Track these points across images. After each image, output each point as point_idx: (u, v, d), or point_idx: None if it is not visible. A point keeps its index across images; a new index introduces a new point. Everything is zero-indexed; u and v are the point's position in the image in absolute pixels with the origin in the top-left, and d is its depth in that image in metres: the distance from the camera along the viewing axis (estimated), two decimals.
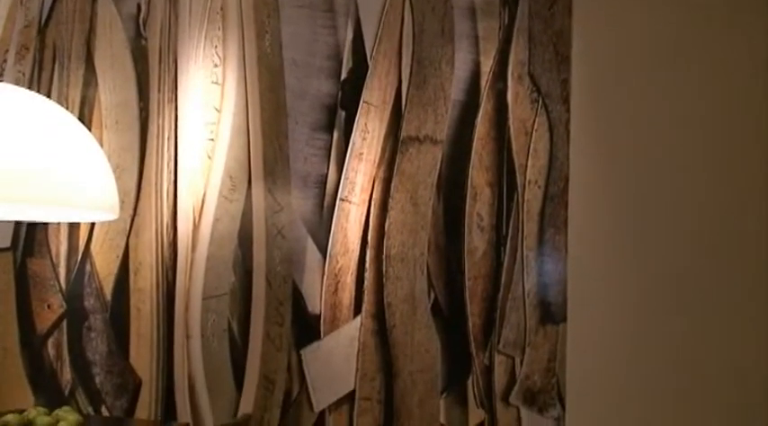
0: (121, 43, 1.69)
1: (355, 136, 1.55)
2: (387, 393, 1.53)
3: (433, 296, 1.52)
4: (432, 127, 1.53)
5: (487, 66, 1.52)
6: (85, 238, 1.70)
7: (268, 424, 1.56)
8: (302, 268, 1.58)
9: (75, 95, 1.72)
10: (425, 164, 1.53)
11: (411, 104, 1.55)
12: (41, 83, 1.76)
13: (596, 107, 0.94)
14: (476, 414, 1.48)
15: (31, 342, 1.73)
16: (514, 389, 1.46)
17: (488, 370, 1.48)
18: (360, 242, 1.55)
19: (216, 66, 1.63)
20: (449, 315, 1.50)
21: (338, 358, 1.55)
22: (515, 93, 1.50)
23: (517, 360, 1.46)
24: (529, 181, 1.47)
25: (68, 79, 1.73)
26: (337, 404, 1.54)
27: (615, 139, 0.91)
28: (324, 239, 1.56)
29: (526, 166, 1.48)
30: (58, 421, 1.36)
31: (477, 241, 1.49)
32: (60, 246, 1.72)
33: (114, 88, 1.69)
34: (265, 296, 1.58)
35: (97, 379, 1.68)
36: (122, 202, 1.63)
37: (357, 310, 1.54)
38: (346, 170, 1.56)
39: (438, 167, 1.52)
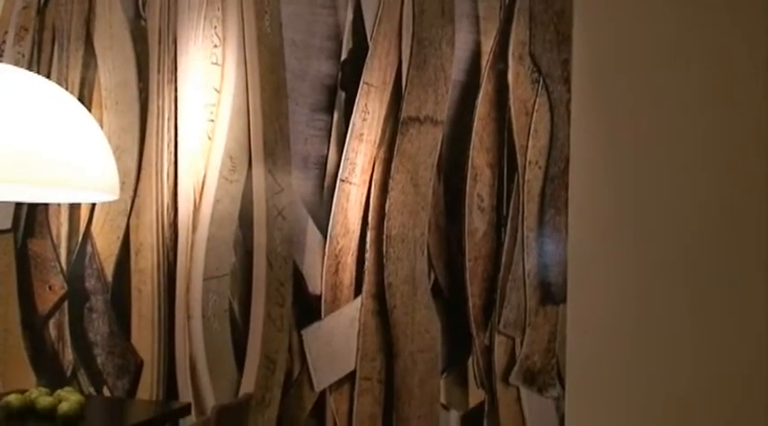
0: (121, 24, 1.68)
1: (355, 116, 1.55)
2: (387, 373, 1.53)
3: (433, 276, 1.52)
4: (432, 107, 1.52)
5: (488, 46, 1.52)
6: (86, 219, 1.70)
7: (269, 404, 1.56)
8: (303, 248, 1.58)
9: (75, 76, 1.72)
10: (426, 144, 1.53)
11: (411, 85, 1.54)
12: (41, 64, 1.75)
13: (598, 87, 0.93)
14: (476, 394, 1.49)
15: (33, 323, 1.73)
16: (514, 369, 1.46)
17: (488, 350, 1.48)
18: (360, 222, 1.55)
19: (215, 46, 1.63)
20: (449, 295, 1.50)
21: (339, 338, 1.55)
22: (516, 73, 1.49)
23: (517, 341, 1.47)
24: (529, 162, 1.47)
25: (68, 60, 1.72)
26: (338, 384, 1.55)
27: (617, 119, 0.91)
28: (324, 220, 1.56)
29: (527, 147, 1.48)
30: (60, 402, 1.37)
31: (477, 222, 1.49)
32: (61, 227, 1.73)
33: (114, 69, 1.69)
34: (266, 276, 1.58)
35: (99, 360, 1.69)
36: (123, 183, 1.63)
37: (358, 290, 1.54)
38: (347, 151, 1.56)
39: (438, 148, 1.52)
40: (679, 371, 0.90)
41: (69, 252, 1.71)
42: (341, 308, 1.55)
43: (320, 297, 1.55)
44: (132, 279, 1.65)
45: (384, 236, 1.53)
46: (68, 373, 1.70)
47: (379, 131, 1.54)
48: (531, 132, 1.48)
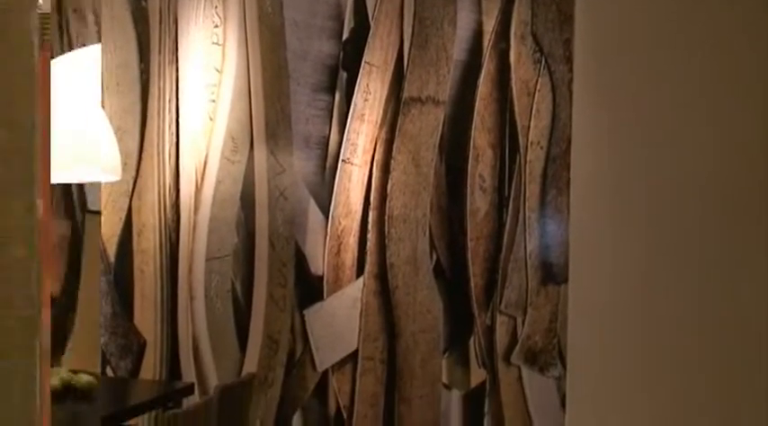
0: (122, 5, 1.68)
1: (357, 97, 1.55)
2: (389, 353, 1.54)
3: (435, 256, 1.52)
4: (434, 87, 1.52)
5: (490, 25, 1.51)
6: None
7: (272, 384, 1.57)
8: (305, 229, 1.58)
9: None
10: (427, 125, 1.52)
11: (413, 65, 1.54)
12: None
13: (600, 67, 0.93)
14: (477, 374, 1.50)
15: None
16: (516, 349, 1.47)
17: (490, 330, 1.49)
18: (362, 203, 1.55)
19: (216, 26, 1.62)
20: (451, 275, 1.51)
21: (341, 318, 1.56)
22: (518, 53, 1.49)
23: (519, 321, 1.47)
24: (531, 143, 1.47)
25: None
26: (340, 364, 1.55)
27: (619, 100, 0.90)
28: (326, 201, 1.56)
29: (528, 127, 1.47)
30: (70, 381, 1.38)
31: (479, 202, 1.49)
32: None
33: (115, 50, 1.69)
34: (268, 257, 1.58)
35: (102, 340, 1.69)
36: (125, 164, 1.62)
37: (360, 271, 1.54)
38: (348, 131, 1.56)
39: (440, 128, 1.52)
40: (681, 351, 0.90)
41: None
42: (343, 289, 1.56)
43: (322, 277, 1.56)
44: (135, 260, 1.66)
45: (386, 217, 1.53)
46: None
47: (381, 112, 1.53)
48: (533, 112, 1.47)
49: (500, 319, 1.47)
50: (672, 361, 0.89)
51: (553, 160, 1.45)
